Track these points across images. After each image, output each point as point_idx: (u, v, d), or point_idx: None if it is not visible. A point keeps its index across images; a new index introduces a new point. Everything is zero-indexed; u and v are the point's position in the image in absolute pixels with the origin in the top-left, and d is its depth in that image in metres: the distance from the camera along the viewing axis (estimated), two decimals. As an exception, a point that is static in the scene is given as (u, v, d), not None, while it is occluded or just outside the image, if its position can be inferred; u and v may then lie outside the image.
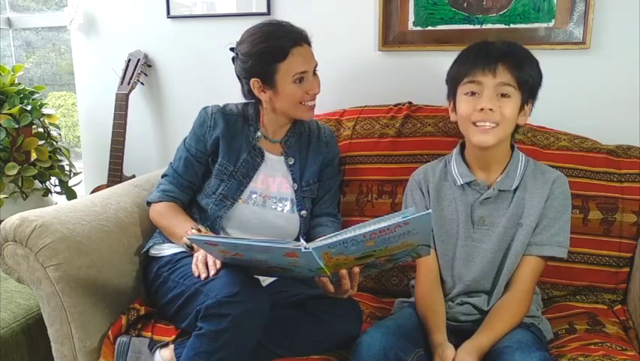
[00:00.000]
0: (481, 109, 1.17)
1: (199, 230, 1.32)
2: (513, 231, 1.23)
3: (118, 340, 1.28)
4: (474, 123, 1.19)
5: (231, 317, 1.09)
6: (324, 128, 1.55)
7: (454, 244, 1.27)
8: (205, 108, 1.46)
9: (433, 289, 1.26)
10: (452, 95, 1.26)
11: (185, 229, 1.32)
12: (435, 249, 1.29)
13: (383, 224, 0.97)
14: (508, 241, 1.24)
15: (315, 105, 1.41)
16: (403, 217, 0.97)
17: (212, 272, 1.18)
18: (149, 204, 1.47)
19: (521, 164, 1.26)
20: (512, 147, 1.29)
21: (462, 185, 1.27)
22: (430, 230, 1.05)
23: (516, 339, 1.12)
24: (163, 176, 1.49)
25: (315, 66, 1.39)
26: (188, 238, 1.22)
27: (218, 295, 1.11)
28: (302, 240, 1.03)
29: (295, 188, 1.45)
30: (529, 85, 1.19)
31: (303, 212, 1.45)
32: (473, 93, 1.19)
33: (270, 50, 1.33)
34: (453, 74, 1.25)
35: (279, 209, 1.43)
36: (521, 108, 1.21)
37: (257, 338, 1.15)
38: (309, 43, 1.39)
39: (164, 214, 1.42)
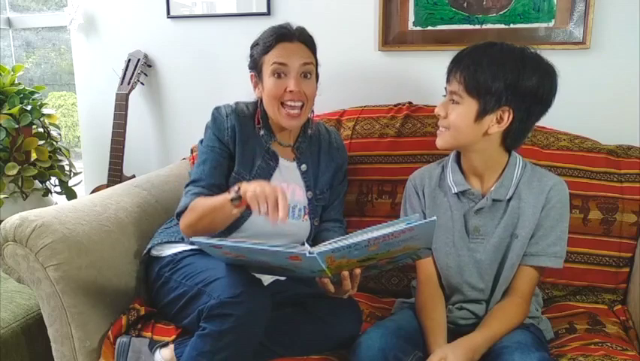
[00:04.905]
0: (435, 112, 1.21)
1: (239, 189, 1.14)
2: (508, 241, 1.21)
3: (118, 340, 1.28)
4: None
5: (234, 318, 1.09)
6: (334, 133, 1.52)
7: (449, 253, 1.25)
8: (217, 109, 1.38)
9: (433, 298, 1.24)
10: None
11: (223, 196, 1.17)
12: (432, 256, 1.27)
13: (388, 230, 0.97)
14: (504, 252, 1.22)
15: (297, 114, 1.30)
16: (408, 224, 0.97)
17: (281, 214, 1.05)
18: (178, 216, 1.32)
19: (517, 170, 1.21)
20: (510, 153, 1.23)
21: (457, 193, 1.25)
22: (432, 235, 1.05)
23: (515, 340, 1.12)
24: (189, 184, 1.35)
25: (305, 64, 1.30)
26: (192, 242, 1.18)
27: (221, 296, 1.11)
28: (307, 244, 1.03)
29: (310, 196, 1.41)
30: (485, 92, 1.12)
31: (316, 220, 1.43)
32: (444, 96, 1.22)
33: (260, 41, 1.34)
34: None
35: (292, 218, 1.38)
36: (480, 115, 1.14)
37: (259, 338, 1.15)
38: (304, 42, 1.33)
39: (197, 205, 1.26)
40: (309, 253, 0.99)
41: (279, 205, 1.05)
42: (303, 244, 1.03)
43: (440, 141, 1.22)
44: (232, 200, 1.14)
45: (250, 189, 1.09)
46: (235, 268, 1.17)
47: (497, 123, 1.15)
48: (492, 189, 1.22)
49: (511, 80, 1.11)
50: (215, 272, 1.19)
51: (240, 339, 1.11)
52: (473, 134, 1.17)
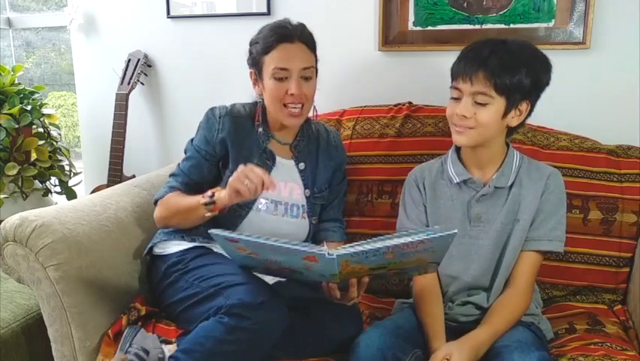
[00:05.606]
0: (459, 114, 1.20)
1: (212, 195, 1.23)
2: (510, 227, 1.24)
3: (128, 328, 1.27)
4: (454, 123, 1.22)
5: (253, 321, 1.09)
6: (332, 132, 1.53)
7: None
8: (212, 110, 1.39)
9: (431, 291, 1.25)
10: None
11: (197, 199, 1.25)
12: None
13: (408, 239, 0.98)
14: (506, 238, 1.24)
15: (299, 113, 1.32)
16: (427, 235, 0.98)
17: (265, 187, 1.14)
18: (155, 202, 1.38)
19: (516, 161, 1.27)
20: (508, 145, 1.29)
21: (458, 183, 1.28)
22: (446, 250, 1.06)
23: (515, 339, 1.12)
24: (171, 175, 1.42)
25: (305, 69, 1.30)
26: (209, 232, 1.14)
27: (243, 299, 1.11)
28: (325, 245, 1.05)
29: (308, 195, 1.42)
30: (515, 89, 1.16)
31: (314, 219, 1.44)
32: (455, 98, 1.21)
33: (260, 40, 1.33)
34: (451, 72, 1.24)
35: (290, 216, 1.39)
36: (507, 111, 1.18)
37: (267, 349, 1.15)
38: (305, 43, 1.32)
39: (171, 201, 1.33)
40: (329, 254, 0.99)
41: (265, 184, 1.13)
42: (322, 245, 1.03)
43: (463, 139, 1.22)
44: (205, 204, 1.21)
45: (233, 185, 1.14)
46: (254, 278, 1.18)
47: (518, 116, 1.21)
48: (493, 177, 1.26)
49: (535, 76, 1.17)
50: (234, 278, 1.18)
51: (251, 341, 1.11)
52: (499, 129, 1.22)
